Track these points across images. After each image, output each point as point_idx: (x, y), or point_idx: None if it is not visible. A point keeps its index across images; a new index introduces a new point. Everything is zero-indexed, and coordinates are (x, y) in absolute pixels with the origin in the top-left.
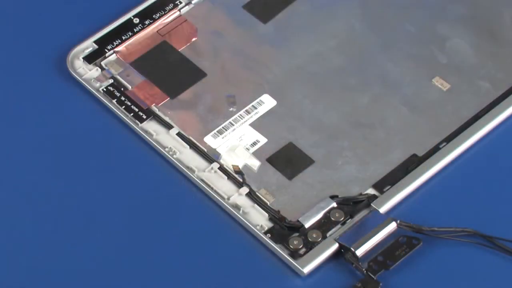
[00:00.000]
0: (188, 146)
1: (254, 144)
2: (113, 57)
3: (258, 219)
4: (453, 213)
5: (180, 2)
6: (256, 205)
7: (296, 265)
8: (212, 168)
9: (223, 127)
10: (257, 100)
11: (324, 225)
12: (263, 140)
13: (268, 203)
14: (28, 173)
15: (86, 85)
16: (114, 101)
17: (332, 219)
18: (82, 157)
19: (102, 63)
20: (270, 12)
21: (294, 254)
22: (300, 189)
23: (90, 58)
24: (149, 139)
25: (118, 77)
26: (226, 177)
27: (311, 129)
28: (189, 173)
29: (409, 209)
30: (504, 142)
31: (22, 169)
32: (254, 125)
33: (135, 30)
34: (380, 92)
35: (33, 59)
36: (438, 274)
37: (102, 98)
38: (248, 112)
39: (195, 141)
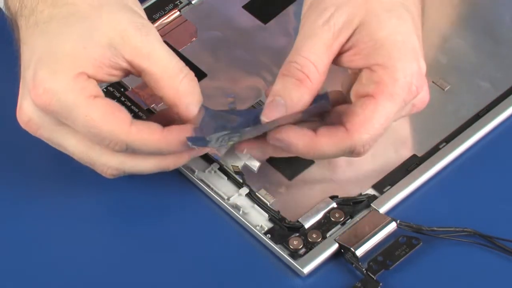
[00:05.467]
0: None
1: None
2: None
3: (258, 220)
4: (453, 213)
5: (180, 2)
6: (256, 205)
7: (296, 265)
8: (212, 168)
9: None
10: (257, 100)
11: (324, 225)
12: None
13: (268, 204)
14: (27, 174)
15: None
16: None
17: (332, 219)
18: None
19: None
20: (270, 12)
21: (294, 254)
22: (300, 189)
23: None
24: None
25: None
26: (226, 178)
27: None
28: (189, 173)
29: (409, 209)
30: (504, 142)
31: (22, 170)
32: None
33: None
34: None
35: None
36: (438, 274)
37: None
38: None
39: None
